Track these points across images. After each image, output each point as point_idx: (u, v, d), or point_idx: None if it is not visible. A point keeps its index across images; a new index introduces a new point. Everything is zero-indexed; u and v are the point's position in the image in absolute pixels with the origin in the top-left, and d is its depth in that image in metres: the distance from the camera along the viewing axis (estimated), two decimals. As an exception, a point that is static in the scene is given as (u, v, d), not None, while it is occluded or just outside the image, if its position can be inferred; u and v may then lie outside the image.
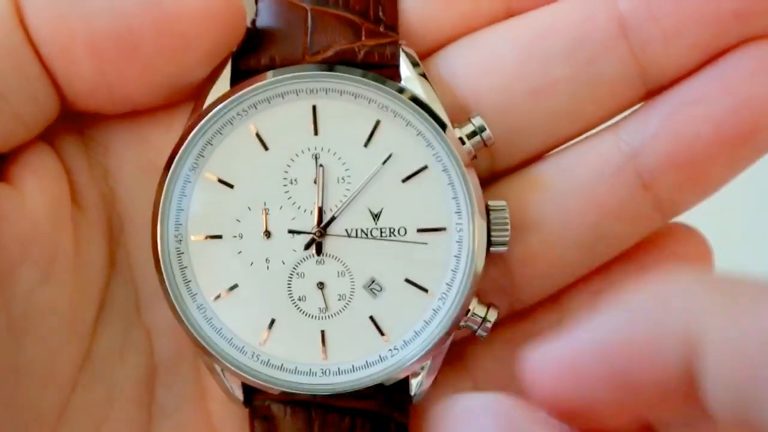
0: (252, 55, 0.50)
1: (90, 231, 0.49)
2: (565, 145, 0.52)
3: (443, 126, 0.49)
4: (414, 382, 0.51)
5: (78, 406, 0.48)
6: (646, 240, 0.51)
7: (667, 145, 0.48)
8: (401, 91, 0.48)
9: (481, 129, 0.49)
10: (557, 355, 0.34)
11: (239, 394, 0.50)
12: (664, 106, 0.49)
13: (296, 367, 0.50)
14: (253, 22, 0.50)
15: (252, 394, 0.51)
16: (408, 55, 0.50)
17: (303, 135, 0.50)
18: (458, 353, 0.53)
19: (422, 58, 0.50)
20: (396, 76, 0.49)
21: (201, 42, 0.46)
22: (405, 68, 0.49)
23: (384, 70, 0.49)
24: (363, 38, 0.50)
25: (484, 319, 0.50)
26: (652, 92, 0.50)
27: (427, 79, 0.49)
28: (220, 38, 0.47)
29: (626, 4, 0.48)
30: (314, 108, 0.49)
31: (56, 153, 0.49)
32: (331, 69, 0.49)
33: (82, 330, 0.48)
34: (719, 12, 0.46)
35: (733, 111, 0.47)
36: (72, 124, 0.50)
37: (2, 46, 0.43)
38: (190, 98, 0.50)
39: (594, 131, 0.51)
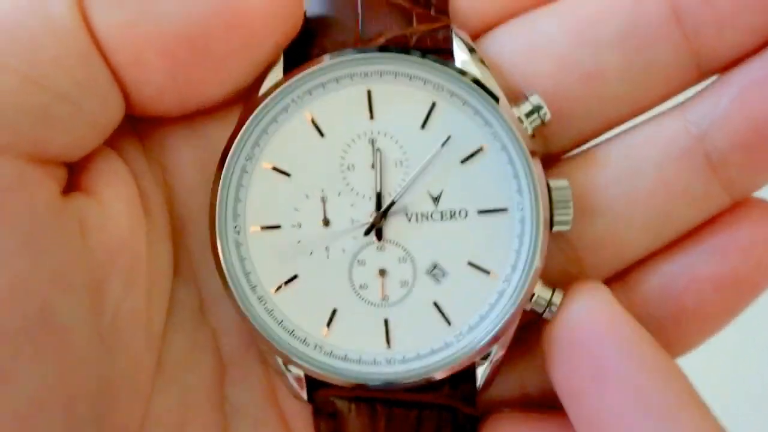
0: (304, 46, 0.49)
1: (158, 236, 0.48)
2: (629, 125, 0.51)
3: (498, 102, 0.48)
4: (480, 372, 0.49)
5: (156, 413, 0.47)
6: (720, 215, 0.50)
7: (738, 125, 0.47)
8: (461, 72, 0.48)
9: (539, 107, 0.48)
10: None
11: (303, 390, 0.49)
12: (733, 86, 0.48)
13: (360, 357, 0.49)
14: (304, 12, 0.50)
15: (315, 390, 0.49)
16: (461, 39, 0.49)
17: (359, 120, 0.49)
18: (524, 340, 0.52)
19: (472, 40, 0.50)
20: (450, 60, 0.49)
21: (269, 37, 0.46)
22: (459, 51, 0.49)
23: (438, 55, 0.49)
24: (414, 24, 0.49)
25: (550, 302, 0.49)
26: (706, 74, 0.49)
27: (482, 61, 0.49)
28: (286, 32, 0.47)
29: None
30: (369, 92, 0.49)
31: (121, 157, 0.48)
32: (384, 50, 0.48)
33: (156, 336, 0.48)
34: None
35: None
36: (130, 125, 0.50)
37: (75, 55, 0.43)
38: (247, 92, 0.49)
39: (660, 111, 0.51)
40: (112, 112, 0.45)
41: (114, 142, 0.48)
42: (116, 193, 0.46)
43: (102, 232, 0.44)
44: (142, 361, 0.46)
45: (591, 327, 0.45)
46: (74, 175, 0.46)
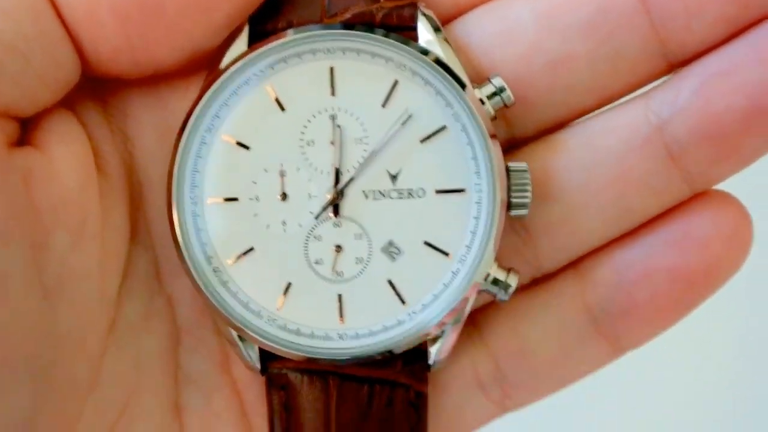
0: (270, 19, 0.49)
1: (113, 198, 0.48)
2: (592, 114, 0.51)
3: (463, 85, 0.48)
4: (432, 350, 0.50)
5: (107, 375, 0.47)
6: (678, 206, 0.50)
7: (698, 117, 0.47)
8: (422, 51, 0.48)
9: (501, 89, 0.48)
10: None
11: (256, 361, 0.50)
12: (695, 77, 0.48)
13: (313, 332, 0.49)
14: None
15: (268, 362, 0.50)
16: (427, 17, 0.49)
17: (320, 95, 0.49)
18: (476, 323, 0.52)
19: (442, 24, 0.50)
20: (415, 38, 0.49)
21: (224, 4, 0.46)
22: (424, 30, 0.49)
23: (403, 32, 0.49)
24: (381, 0, 0.49)
25: (505, 284, 0.49)
26: (673, 66, 0.49)
27: (447, 40, 0.49)
28: (243, 1, 0.47)
29: None
30: (331, 69, 0.49)
31: (78, 119, 0.48)
32: (350, 28, 0.48)
33: (109, 297, 0.48)
34: None
35: (766, 82, 0.46)
36: (92, 90, 0.50)
37: (26, 10, 0.43)
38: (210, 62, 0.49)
39: (623, 100, 0.50)
40: (66, 69, 0.45)
41: (75, 106, 0.48)
42: (67, 151, 0.46)
43: (48, 186, 0.44)
44: (92, 319, 0.46)
45: None
46: (27, 132, 0.46)
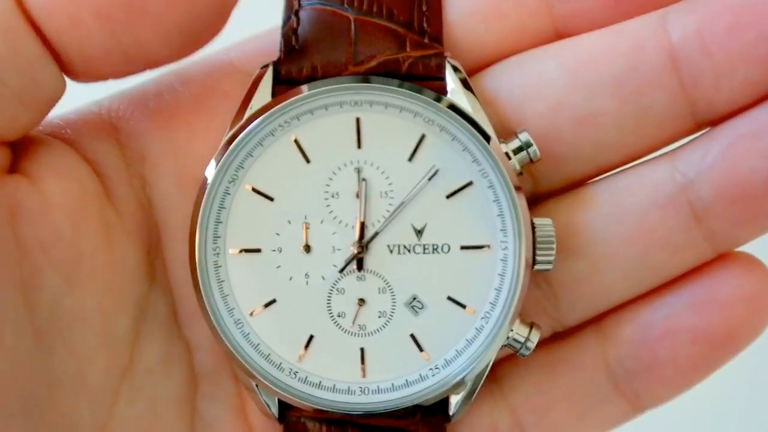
0: (294, 64, 0.48)
1: (126, 238, 0.48)
2: (618, 170, 0.51)
3: (488, 139, 0.47)
4: (453, 401, 0.49)
5: (121, 419, 0.47)
6: (702, 266, 0.50)
7: (724, 178, 0.47)
8: (438, 99, 0.47)
9: (528, 145, 0.48)
10: None
11: (274, 410, 0.50)
12: (723, 138, 0.47)
13: (334, 385, 0.49)
14: (296, 30, 0.49)
15: (286, 411, 0.50)
16: (454, 68, 0.48)
17: (346, 148, 0.49)
18: (496, 376, 0.52)
19: (467, 75, 0.49)
20: (441, 89, 0.48)
21: None
22: (450, 80, 0.48)
23: (429, 82, 0.48)
24: (408, 49, 0.49)
25: (527, 339, 0.49)
26: (701, 125, 0.49)
27: (473, 92, 0.48)
28: None
29: (679, 36, 0.47)
30: (358, 120, 0.48)
31: (89, 159, 0.48)
32: (367, 81, 0.47)
33: (117, 339, 0.47)
34: None
35: None
36: (109, 133, 0.49)
37: None
38: (202, 45, 0.47)
39: (649, 157, 0.50)
40: (46, 88, 0.44)
41: (87, 145, 0.48)
42: (62, 187, 0.45)
43: (37, 221, 0.44)
44: (94, 360, 0.46)
45: None
46: (18, 159, 0.45)
